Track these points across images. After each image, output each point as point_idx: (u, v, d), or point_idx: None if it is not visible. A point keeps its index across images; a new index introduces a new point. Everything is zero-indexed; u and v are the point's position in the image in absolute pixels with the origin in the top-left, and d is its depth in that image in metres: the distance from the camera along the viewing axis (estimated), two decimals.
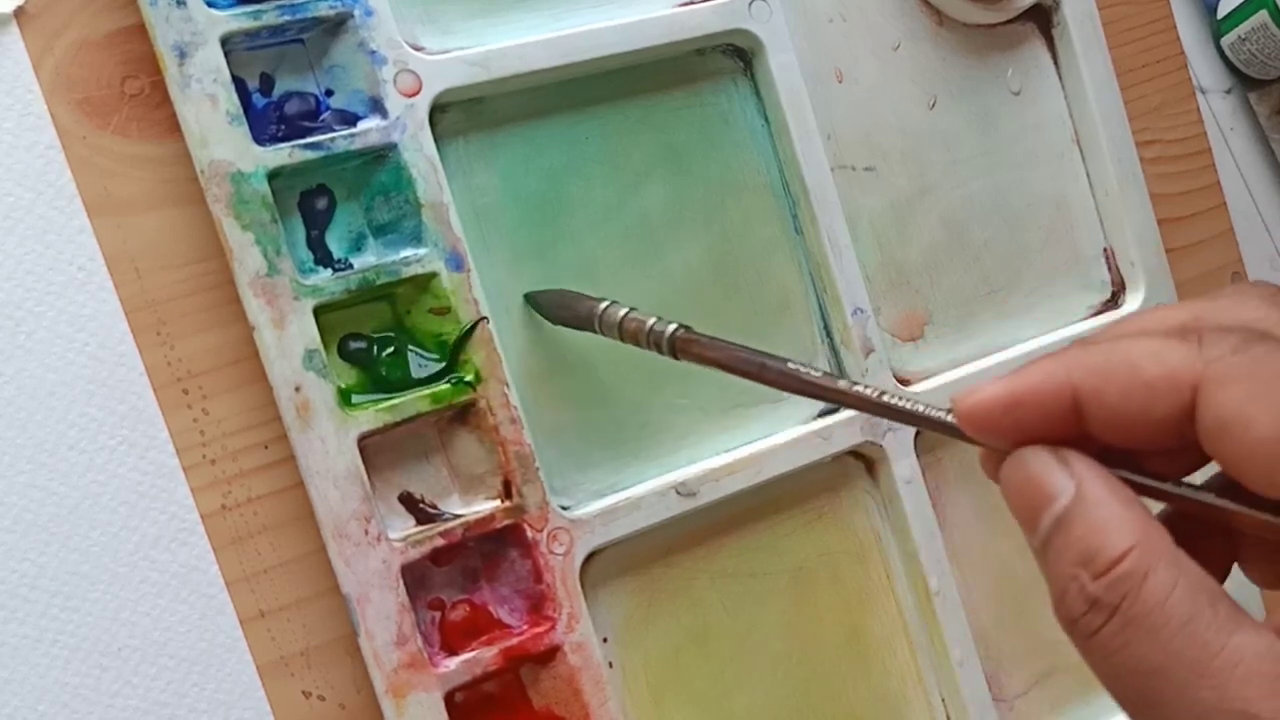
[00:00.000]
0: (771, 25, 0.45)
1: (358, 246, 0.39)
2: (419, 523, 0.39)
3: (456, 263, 0.39)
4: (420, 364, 0.39)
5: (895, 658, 0.46)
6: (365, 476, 0.37)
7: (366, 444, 0.37)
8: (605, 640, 0.41)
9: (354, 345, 0.39)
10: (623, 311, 0.38)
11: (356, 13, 0.38)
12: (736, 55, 0.45)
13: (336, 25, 0.38)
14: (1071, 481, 0.24)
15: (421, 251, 0.39)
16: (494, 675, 0.39)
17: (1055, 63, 0.52)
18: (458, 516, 0.39)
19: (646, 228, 0.43)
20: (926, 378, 0.47)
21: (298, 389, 0.36)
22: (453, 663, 0.38)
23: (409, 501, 0.39)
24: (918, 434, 0.46)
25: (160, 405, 0.36)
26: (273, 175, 0.37)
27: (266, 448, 0.37)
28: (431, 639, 0.39)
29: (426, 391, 0.38)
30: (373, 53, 0.38)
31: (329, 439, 0.37)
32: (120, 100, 0.37)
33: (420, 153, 0.39)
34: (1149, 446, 0.25)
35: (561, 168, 0.42)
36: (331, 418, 0.37)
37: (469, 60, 0.40)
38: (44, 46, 0.36)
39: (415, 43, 0.40)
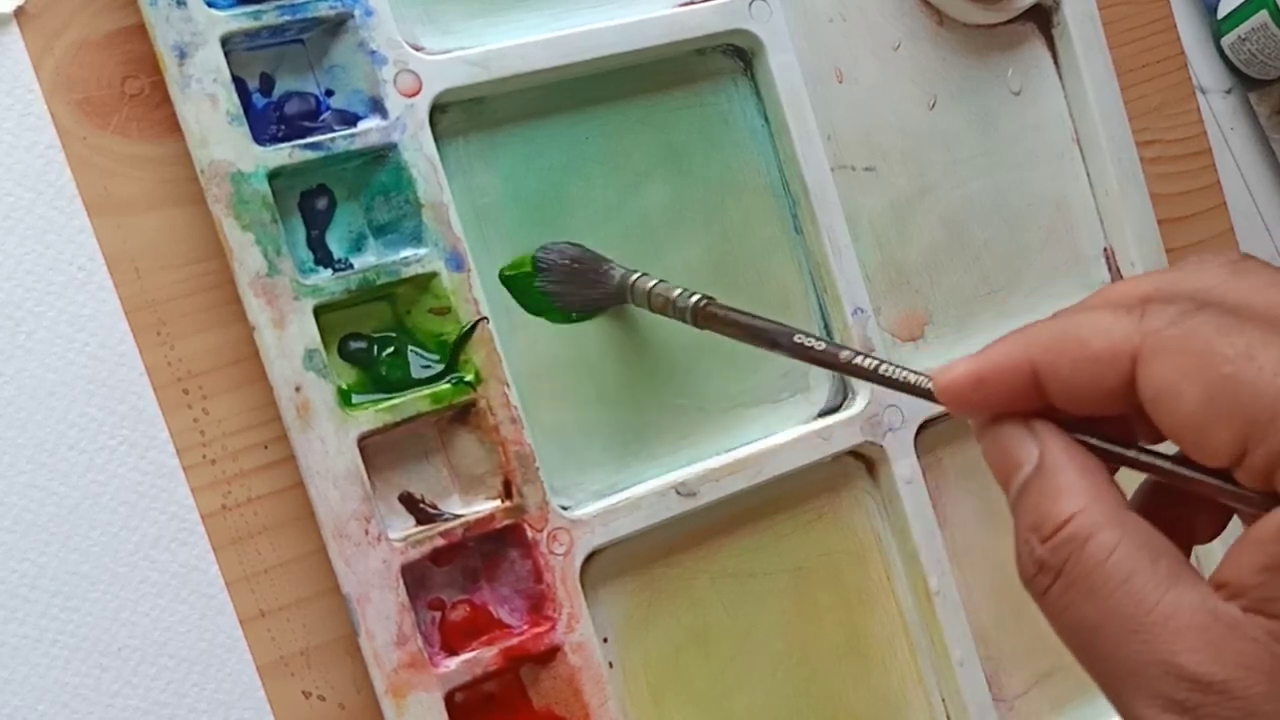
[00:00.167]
0: (771, 25, 0.45)
1: (358, 246, 0.39)
2: (419, 523, 0.39)
3: (456, 263, 0.39)
4: (420, 364, 0.39)
5: (895, 658, 0.46)
6: (365, 476, 0.37)
7: (366, 444, 0.37)
8: (605, 640, 0.41)
9: (354, 345, 0.39)
10: (651, 282, 0.40)
11: (356, 13, 0.38)
12: (736, 55, 0.45)
13: (336, 25, 0.38)
14: (1036, 449, 0.26)
15: (421, 251, 0.39)
16: (494, 675, 0.39)
17: (1055, 63, 0.52)
18: (458, 516, 0.39)
19: (646, 228, 0.43)
20: None
21: (298, 389, 0.36)
22: (453, 663, 0.38)
23: (409, 501, 0.39)
24: (918, 434, 0.46)
25: (160, 405, 0.36)
26: (273, 175, 0.37)
27: (266, 448, 0.37)
28: (431, 639, 0.39)
29: (426, 391, 0.38)
30: (373, 53, 0.38)
31: (329, 439, 0.37)
32: (120, 100, 0.37)
33: (420, 153, 0.39)
34: (1109, 414, 0.26)
35: (562, 168, 0.42)
36: (331, 418, 0.37)
37: (469, 60, 0.40)
38: (44, 46, 0.36)
39: (415, 43, 0.40)
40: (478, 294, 0.39)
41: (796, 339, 0.35)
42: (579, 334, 0.42)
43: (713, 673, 0.43)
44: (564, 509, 0.40)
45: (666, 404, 0.43)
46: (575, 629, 0.39)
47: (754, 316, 0.37)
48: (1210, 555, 0.51)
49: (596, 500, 0.41)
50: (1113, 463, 0.26)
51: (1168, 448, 0.26)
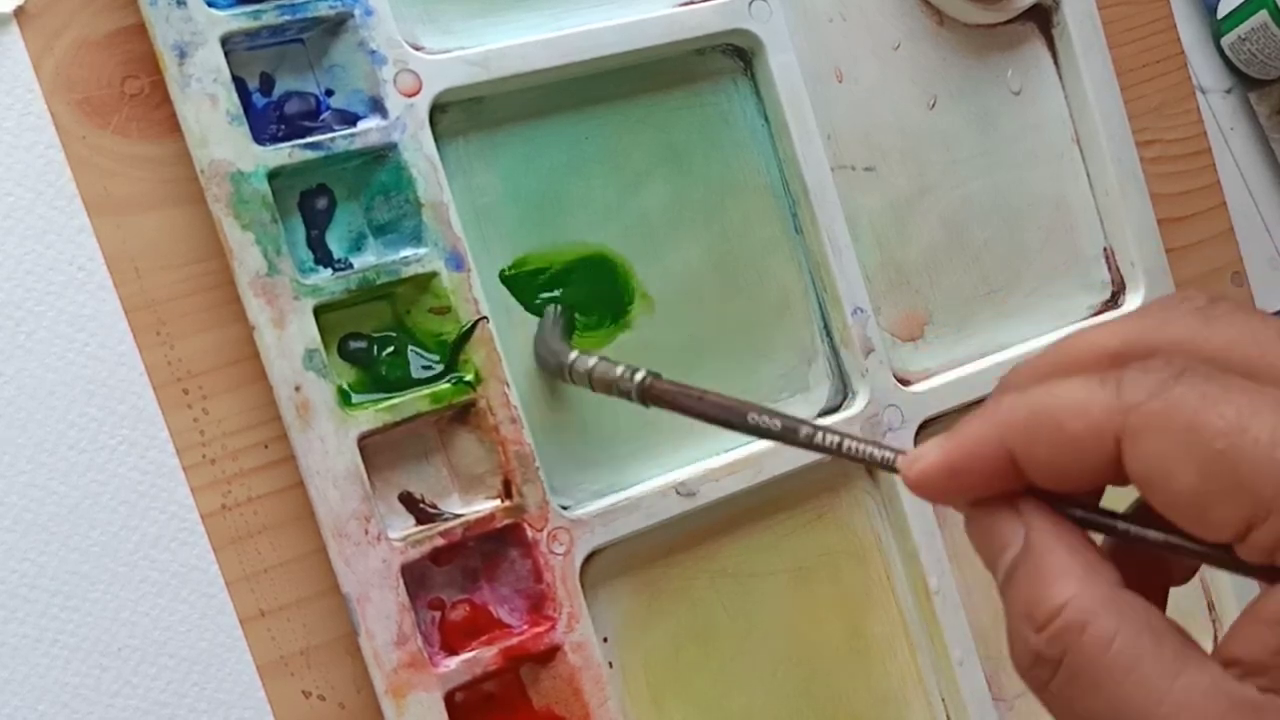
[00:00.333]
0: (771, 25, 0.45)
1: (358, 246, 0.39)
2: (419, 522, 0.39)
3: (456, 262, 0.39)
4: (420, 364, 0.39)
5: (895, 658, 0.46)
6: (365, 476, 0.37)
7: (366, 444, 0.37)
8: (605, 640, 0.41)
9: (354, 345, 0.39)
10: (592, 361, 0.37)
11: (356, 12, 0.38)
12: (736, 55, 0.45)
13: (336, 25, 0.38)
14: (1022, 529, 0.25)
15: (421, 251, 0.39)
16: (494, 675, 0.39)
17: (1055, 63, 0.52)
18: (458, 516, 0.39)
19: (646, 227, 0.43)
20: (926, 377, 0.47)
21: (298, 389, 0.36)
22: (453, 662, 0.38)
23: (409, 501, 0.39)
24: (918, 434, 0.46)
25: (160, 405, 0.36)
26: (273, 175, 0.37)
27: (266, 447, 0.37)
28: (431, 639, 0.39)
29: (426, 391, 0.38)
30: (373, 52, 0.38)
31: (329, 439, 0.37)
32: (120, 100, 0.37)
33: (420, 152, 0.39)
34: (1093, 490, 0.25)
35: (561, 167, 0.42)
36: (331, 417, 0.37)
37: (469, 60, 0.40)
38: (44, 46, 0.36)
39: (415, 42, 0.40)
40: (477, 294, 0.39)
41: (751, 418, 0.32)
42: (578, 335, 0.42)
43: (713, 673, 0.43)
44: (564, 509, 0.40)
45: None
46: (575, 629, 0.39)
47: (705, 394, 0.34)
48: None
49: (596, 500, 0.41)
50: (1102, 533, 0.25)
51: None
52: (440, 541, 0.38)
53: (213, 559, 0.37)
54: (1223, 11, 0.57)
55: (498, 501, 0.39)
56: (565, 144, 0.42)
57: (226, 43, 0.36)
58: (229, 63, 0.36)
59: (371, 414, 0.37)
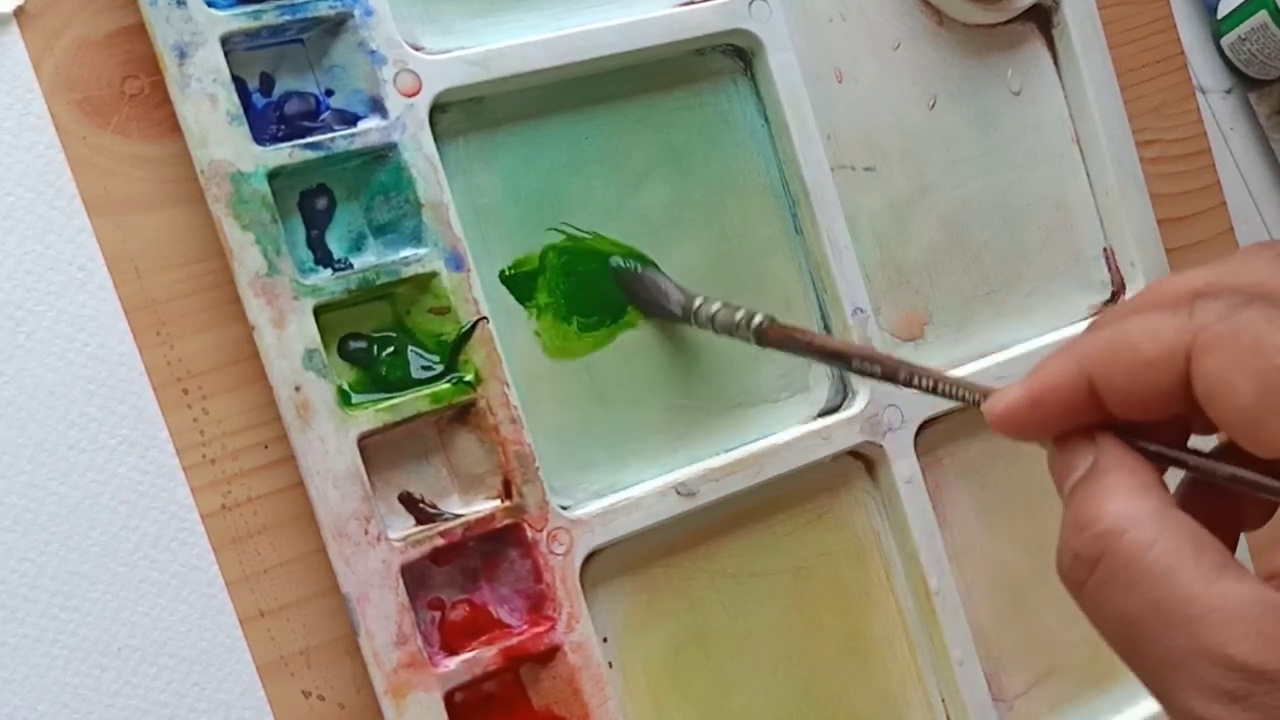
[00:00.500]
0: (771, 25, 0.45)
1: (358, 246, 0.39)
2: (419, 522, 0.39)
3: (456, 262, 0.39)
4: (420, 364, 0.39)
5: (895, 658, 0.46)
6: (365, 476, 0.37)
7: (366, 444, 0.38)
8: (605, 640, 0.41)
9: (354, 345, 0.39)
10: (715, 306, 0.40)
11: (356, 12, 0.38)
12: (736, 55, 0.45)
13: (336, 25, 0.38)
14: (1092, 456, 0.26)
15: (421, 251, 0.39)
16: (494, 675, 0.39)
17: (1055, 63, 0.52)
18: (458, 516, 0.39)
19: (647, 227, 0.43)
20: None
21: (298, 389, 0.37)
22: (452, 662, 0.38)
23: (409, 501, 0.39)
24: (918, 434, 0.46)
25: (160, 405, 0.36)
26: (273, 175, 0.37)
27: (266, 447, 0.37)
28: (431, 639, 0.39)
29: (426, 391, 0.38)
30: (373, 52, 0.38)
31: (329, 439, 0.37)
32: (120, 100, 0.37)
33: (420, 152, 0.39)
34: (1168, 415, 0.26)
35: (561, 167, 0.42)
36: (331, 417, 0.37)
37: (469, 60, 0.40)
38: (44, 46, 0.36)
39: (415, 42, 0.40)
40: (477, 294, 0.39)
41: (855, 363, 0.36)
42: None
43: (713, 673, 0.43)
44: (564, 509, 0.40)
45: (666, 404, 0.43)
46: (575, 629, 0.39)
47: (814, 338, 0.39)
48: None
49: (596, 500, 0.41)
50: (1174, 466, 0.26)
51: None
52: (440, 541, 0.38)
53: (213, 559, 0.37)
54: (1223, 11, 0.57)
55: (498, 501, 0.39)
56: (565, 144, 0.42)
57: (226, 43, 0.36)
58: (229, 63, 0.36)
59: (371, 414, 0.37)
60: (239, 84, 0.37)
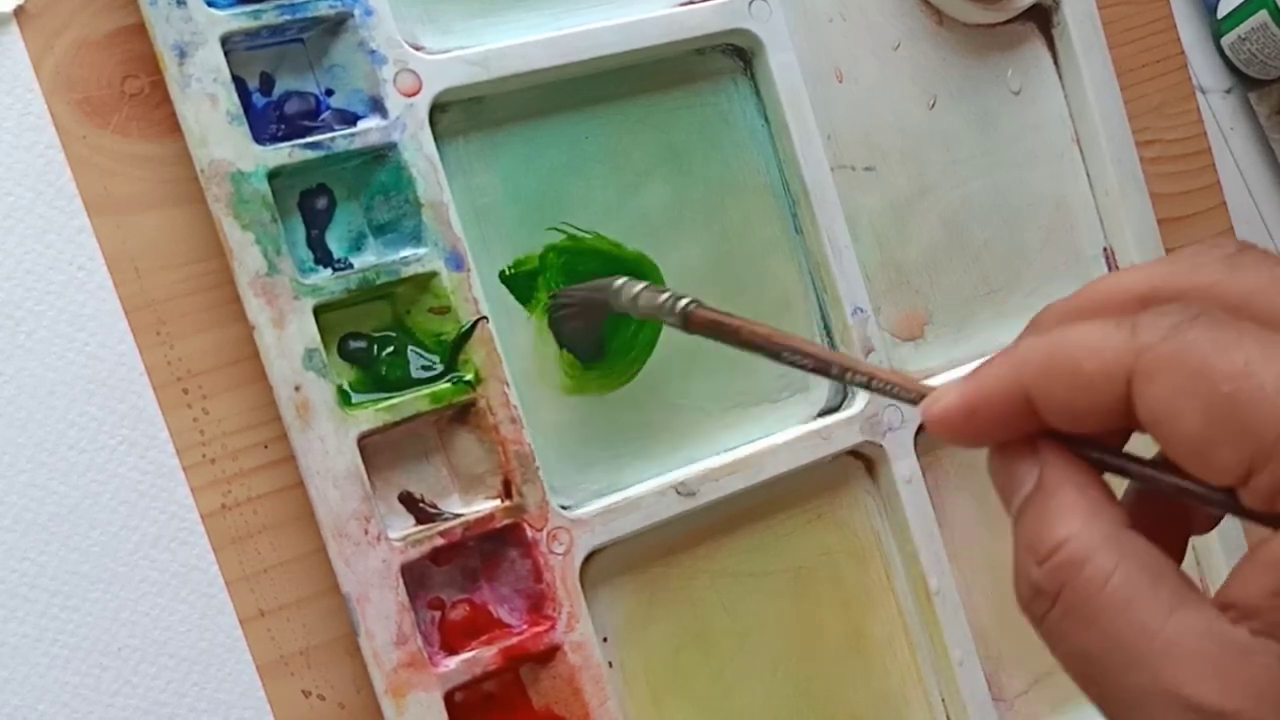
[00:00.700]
0: (771, 25, 0.45)
1: (358, 246, 0.39)
2: (419, 522, 0.39)
3: (456, 262, 0.39)
4: (420, 363, 0.39)
5: (895, 658, 0.46)
6: (365, 476, 0.37)
7: (366, 443, 0.37)
8: (605, 640, 0.41)
9: (354, 345, 0.39)
10: (638, 287, 0.38)
11: (356, 12, 0.38)
12: (736, 55, 0.45)
13: (336, 25, 0.38)
14: (1036, 469, 0.25)
15: (421, 251, 0.39)
16: (494, 675, 0.39)
17: (1055, 62, 0.52)
18: (458, 516, 0.39)
19: (647, 227, 0.43)
20: (926, 377, 0.47)
21: (297, 388, 0.37)
22: (452, 662, 0.38)
23: (409, 501, 0.39)
24: (918, 434, 0.46)
25: (160, 405, 0.36)
26: (273, 175, 0.37)
27: (266, 447, 0.37)
28: (431, 638, 0.39)
29: (426, 391, 0.38)
30: (373, 52, 0.38)
31: (329, 438, 0.37)
32: (120, 100, 0.37)
33: (420, 152, 0.39)
34: (1108, 431, 0.25)
35: (561, 167, 0.42)
36: (331, 417, 0.37)
37: (469, 60, 0.40)
38: (44, 46, 0.36)
39: (415, 42, 0.40)
40: (477, 293, 0.39)
41: (785, 355, 0.34)
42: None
43: (713, 673, 0.43)
44: (564, 508, 0.40)
45: (666, 404, 0.43)
46: (575, 628, 0.39)
47: (744, 324, 0.36)
48: (1214, 564, 0.51)
49: (596, 500, 0.41)
50: (1118, 475, 0.26)
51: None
52: (440, 541, 0.38)
53: (213, 559, 0.37)
54: (1223, 11, 0.57)
55: (498, 501, 0.39)
56: (565, 144, 0.42)
57: (226, 42, 0.36)
58: (229, 62, 0.36)
59: (371, 414, 0.37)
60: (239, 84, 0.37)
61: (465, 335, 0.39)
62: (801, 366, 0.33)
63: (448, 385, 0.39)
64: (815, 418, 0.45)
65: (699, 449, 0.43)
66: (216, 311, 0.37)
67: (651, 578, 0.42)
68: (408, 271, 0.38)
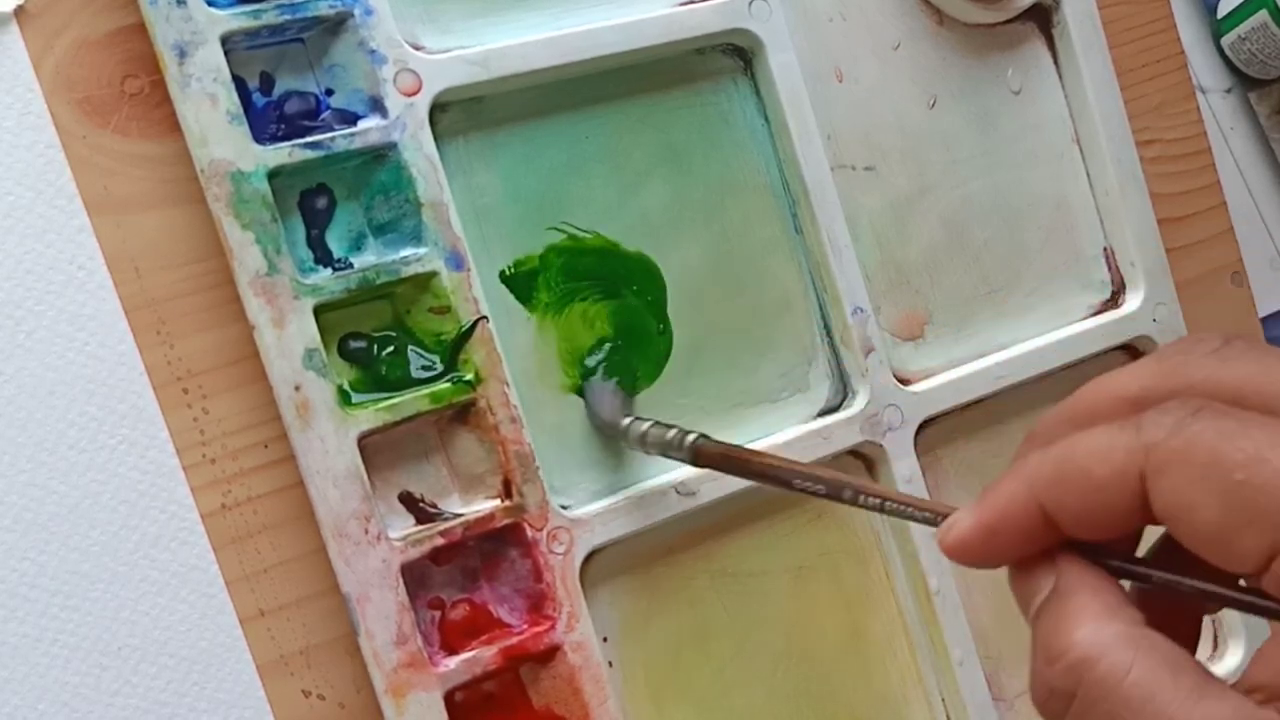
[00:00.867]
0: (771, 25, 0.45)
1: (358, 246, 0.39)
2: (419, 522, 0.39)
3: (456, 262, 0.39)
4: (420, 363, 0.39)
5: (895, 658, 0.46)
6: (365, 476, 0.37)
7: (366, 443, 0.37)
8: (605, 639, 0.41)
9: (354, 344, 0.39)
10: (645, 425, 0.39)
11: (356, 12, 0.38)
12: (736, 55, 0.45)
13: (336, 24, 0.38)
14: (1053, 577, 0.25)
15: (421, 251, 0.39)
16: (494, 674, 0.39)
17: (1055, 62, 0.52)
18: (458, 516, 0.39)
19: (647, 227, 0.43)
20: (926, 377, 0.47)
21: (297, 388, 0.36)
22: (452, 662, 0.38)
23: (409, 501, 0.39)
24: (918, 433, 0.46)
25: (160, 404, 0.36)
26: (273, 174, 0.37)
27: (266, 447, 0.37)
28: (431, 638, 0.39)
29: (426, 391, 0.38)
30: (373, 52, 0.38)
31: (329, 438, 0.37)
32: (120, 99, 0.37)
33: (420, 152, 0.39)
34: (1127, 532, 0.25)
35: (561, 167, 0.42)
36: (331, 417, 0.37)
37: (469, 59, 0.40)
38: (44, 46, 0.36)
39: (415, 42, 0.40)
40: (477, 293, 0.39)
41: (796, 483, 0.34)
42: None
43: (713, 672, 0.43)
44: (564, 508, 0.40)
45: (666, 404, 0.43)
46: (575, 628, 0.39)
47: (753, 456, 0.37)
48: None
49: (596, 500, 0.41)
50: (1138, 581, 0.26)
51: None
52: (440, 541, 0.38)
53: (213, 559, 0.37)
54: (1223, 11, 0.57)
55: (498, 501, 0.39)
56: (565, 144, 0.42)
57: (226, 42, 0.36)
58: (229, 62, 0.36)
59: (371, 414, 0.37)
60: (239, 83, 0.37)
61: (465, 335, 0.39)
62: (814, 493, 0.33)
63: (448, 385, 0.39)
64: (815, 418, 0.45)
65: None
66: (216, 311, 0.37)
67: (651, 578, 0.42)
68: (408, 271, 0.38)
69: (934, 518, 0.28)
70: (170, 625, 0.36)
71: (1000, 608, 0.48)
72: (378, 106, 0.38)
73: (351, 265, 0.39)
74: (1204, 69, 0.58)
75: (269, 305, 0.36)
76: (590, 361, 0.42)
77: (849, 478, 0.32)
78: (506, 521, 0.39)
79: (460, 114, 0.41)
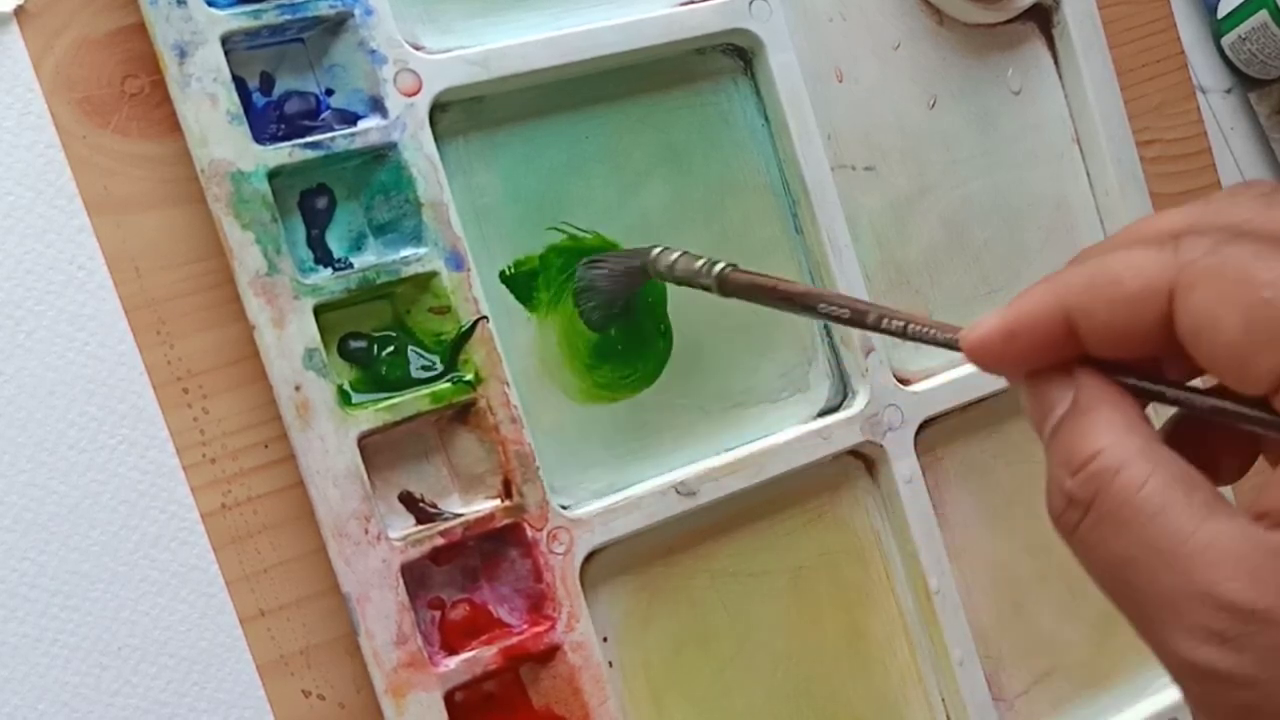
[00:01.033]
0: (771, 25, 0.45)
1: (358, 246, 0.39)
2: (419, 522, 0.39)
3: (456, 262, 0.39)
4: (420, 363, 0.39)
5: (895, 658, 0.46)
6: (365, 476, 0.37)
7: (366, 443, 0.37)
8: (605, 639, 0.41)
9: (354, 344, 0.39)
10: (675, 254, 0.39)
11: (356, 12, 0.38)
12: (736, 55, 0.45)
13: (336, 24, 0.38)
14: (1071, 391, 0.25)
15: (421, 251, 0.39)
16: (494, 674, 0.39)
17: (1055, 62, 0.52)
18: (458, 516, 0.39)
19: (647, 227, 0.43)
20: (927, 377, 0.47)
21: (298, 388, 0.36)
22: (452, 662, 0.38)
23: (409, 501, 0.39)
24: (918, 433, 0.46)
25: (160, 404, 0.36)
26: (273, 174, 0.37)
27: (266, 447, 0.37)
28: (431, 638, 0.39)
29: (426, 391, 0.38)
30: (373, 52, 0.38)
31: (329, 438, 0.37)
32: (120, 99, 0.37)
33: (420, 152, 0.39)
34: (1149, 355, 0.25)
35: (561, 167, 0.42)
36: (331, 417, 0.37)
37: (469, 59, 0.40)
38: (44, 45, 0.36)
39: (415, 42, 0.40)
40: (477, 293, 0.39)
41: (821, 307, 0.34)
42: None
43: (713, 673, 0.43)
44: (564, 508, 0.40)
45: (666, 404, 0.43)
46: (575, 628, 0.39)
47: (779, 282, 0.37)
48: None
49: (596, 500, 0.41)
50: (1153, 401, 0.26)
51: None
52: (440, 541, 0.38)
53: (213, 558, 0.37)
54: (1223, 11, 0.57)
55: (498, 501, 0.39)
56: (565, 144, 0.42)
57: (226, 42, 0.36)
58: (229, 62, 0.36)
59: (371, 413, 0.37)
60: (239, 83, 0.37)
61: (465, 335, 0.39)
62: (838, 318, 0.33)
63: (448, 385, 0.39)
64: (815, 417, 0.45)
65: (699, 449, 0.43)
66: (216, 311, 0.37)
67: (651, 578, 0.43)
68: (408, 271, 0.38)
69: (955, 339, 0.28)
70: (170, 625, 0.36)
71: (1000, 608, 0.48)
72: (378, 106, 0.38)
73: (351, 265, 0.39)
74: (1204, 69, 0.58)
75: (269, 305, 0.36)
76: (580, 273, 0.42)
77: (872, 303, 0.32)
78: (506, 521, 0.39)
79: (460, 114, 0.41)
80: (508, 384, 0.39)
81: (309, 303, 0.37)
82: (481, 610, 0.39)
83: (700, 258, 0.39)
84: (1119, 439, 0.24)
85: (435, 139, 0.39)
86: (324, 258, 0.39)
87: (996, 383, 0.48)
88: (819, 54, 0.46)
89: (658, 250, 0.40)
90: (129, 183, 0.37)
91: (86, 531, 0.35)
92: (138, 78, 0.37)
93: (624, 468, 0.42)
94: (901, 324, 0.31)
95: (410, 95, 0.39)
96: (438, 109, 0.39)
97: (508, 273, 0.41)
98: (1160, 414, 0.27)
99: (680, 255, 0.39)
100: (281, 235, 0.37)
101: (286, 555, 0.38)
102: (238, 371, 0.37)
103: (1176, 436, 0.28)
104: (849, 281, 0.45)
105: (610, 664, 0.41)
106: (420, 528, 0.38)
